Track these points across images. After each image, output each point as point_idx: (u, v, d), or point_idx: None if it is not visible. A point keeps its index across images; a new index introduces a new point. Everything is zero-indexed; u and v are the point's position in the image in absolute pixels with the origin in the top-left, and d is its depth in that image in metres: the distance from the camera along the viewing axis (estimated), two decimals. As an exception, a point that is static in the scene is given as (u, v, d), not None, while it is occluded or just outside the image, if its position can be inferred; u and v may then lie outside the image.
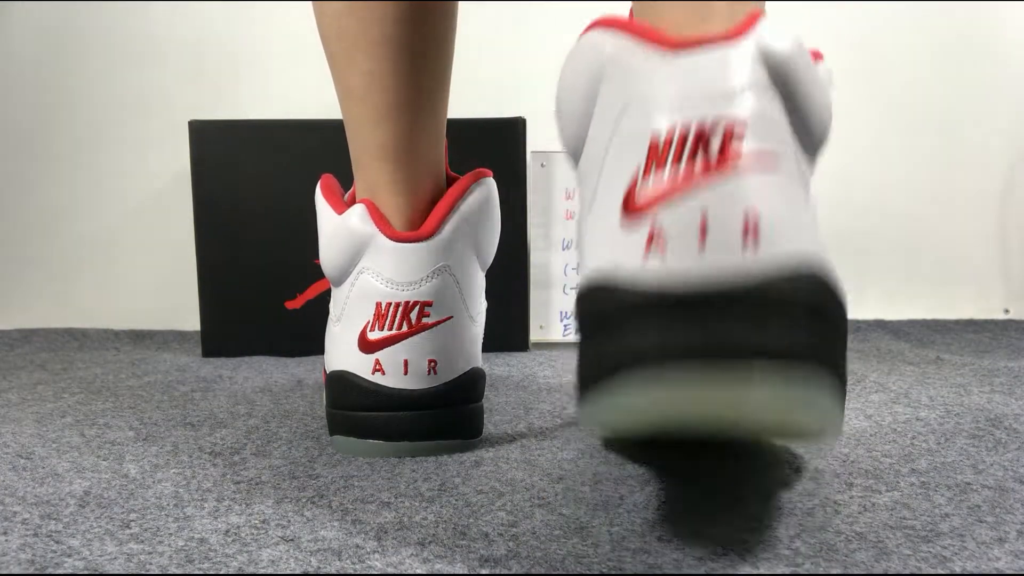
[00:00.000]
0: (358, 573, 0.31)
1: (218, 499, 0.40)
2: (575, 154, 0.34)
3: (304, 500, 0.40)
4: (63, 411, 0.59)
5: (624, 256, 0.28)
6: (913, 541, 0.34)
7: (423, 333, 0.46)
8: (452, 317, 0.47)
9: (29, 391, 0.67)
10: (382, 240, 0.46)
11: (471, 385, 0.48)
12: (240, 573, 0.31)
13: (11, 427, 0.54)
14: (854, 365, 0.78)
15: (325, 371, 0.50)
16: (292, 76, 1.09)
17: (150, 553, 0.33)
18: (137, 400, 0.63)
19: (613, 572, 0.31)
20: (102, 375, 0.75)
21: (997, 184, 1.15)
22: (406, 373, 0.46)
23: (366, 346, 0.46)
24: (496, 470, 0.44)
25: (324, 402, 0.52)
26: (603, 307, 0.28)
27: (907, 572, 0.31)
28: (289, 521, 0.37)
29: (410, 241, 0.46)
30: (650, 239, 0.27)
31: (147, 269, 1.10)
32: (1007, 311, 1.15)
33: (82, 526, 0.36)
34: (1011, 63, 1.13)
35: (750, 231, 0.26)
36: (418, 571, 0.31)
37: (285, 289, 0.86)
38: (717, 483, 0.42)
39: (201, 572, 0.31)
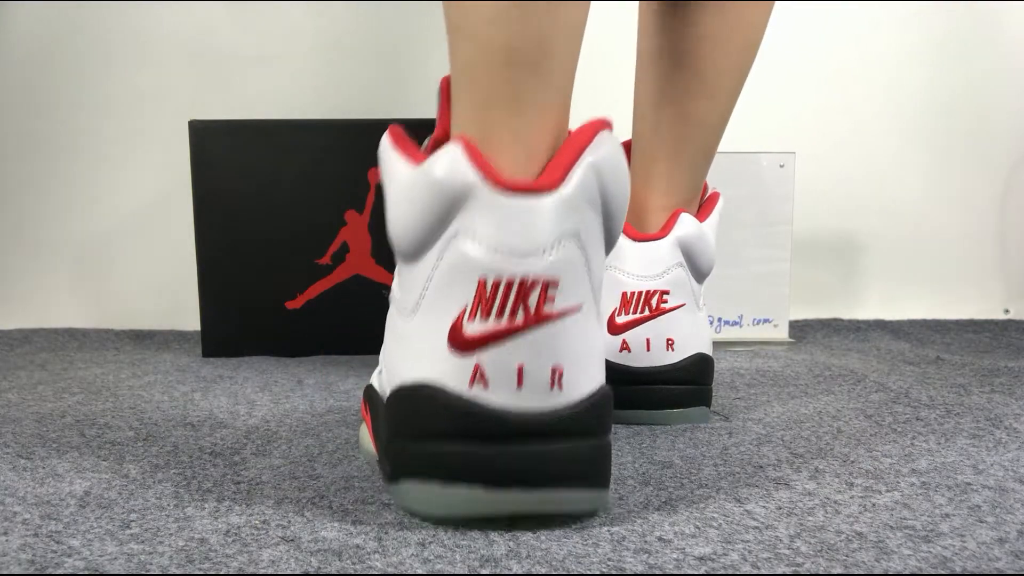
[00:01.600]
0: (358, 573, 0.31)
1: (218, 499, 0.40)
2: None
3: (304, 500, 0.40)
4: (63, 411, 0.59)
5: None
6: (913, 541, 0.34)
7: (545, 326, 0.32)
8: (582, 307, 0.33)
9: (29, 391, 0.67)
10: (487, 192, 0.32)
11: (604, 409, 0.35)
12: (240, 573, 0.31)
13: (11, 427, 0.54)
14: (855, 365, 0.78)
15: (367, 400, 0.40)
16: (292, 76, 1.09)
17: (150, 553, 0.33)
18: (137, 400, 0.63)
19: (613, 572, 0.31)
20: (102, 375, 0.75)
21: (997, 184, 1.15)
22: (520, 386, 0.32)
23: (462, 344, 0.33)
24: (496, 470, 0.44)
25: (365, 444, 0.43)
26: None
27: (907, 572, 0.31)
28: (289, 521, 0.37)
29: (529, 193, 0.32)
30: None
31: (147, 269, 1.10)
32: (1007, 311, 1.16)
33: (82, 526, 0.36)
34: (1011, 64, 1.13)
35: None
36: (418, 571, 0.31)
37: (285, 289, 0.86)
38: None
39: (201, 572, 0.31)
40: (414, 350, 0.34)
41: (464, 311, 0.33)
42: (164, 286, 1.09)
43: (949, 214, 1.15)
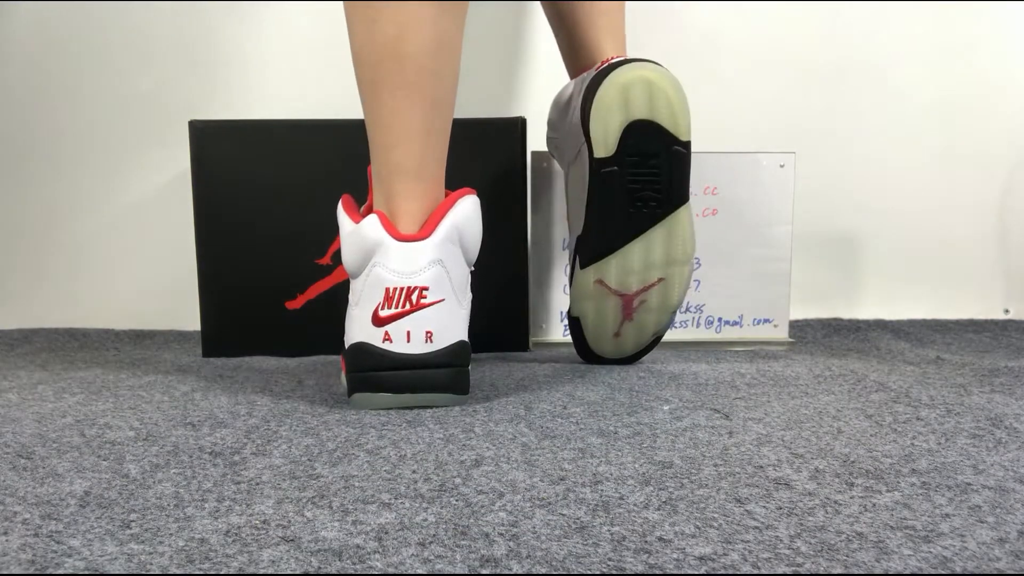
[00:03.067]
0: (358, 573, 0.31)
1: (218, 499, 0.40)
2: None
3: (304, 500, 0.40)
4: (63, 411, 0.59)
5: None
6: (914, 541, 0.34)
7: (422, 311, 0.58)
8: (444, 299, 0.59)
9: (29, 391, 0.67)
10: (390, 241, 0.58)
11: (460, 352, 0.60)
12: (240, 573, 0.31)
13: (11, 427, 0.54)
14: (855, 365, 0.78)
15: (344, 352, 0.61)
16: (292, 76, 1.09)
17: (150, 553, 0.33)
18: (137, 400, 0.63)
19: (613, 572, 0.31)
20: (102, 375, 0.75)
21: (997, 184, 1.15)
22: (409, 341, 0.58)
23: (378, 321, 0.58)
24: (496, 470, 0.44)
25: (343, 380, 0.64)
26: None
27: (908, 572, 0.31)
28: (289, 521, 0.37)
29: (412, 241, 0.58)
30: None
31: (147, 269, 1.10)
32: (1007, 311, 1.15)
33: (82, 526, 0.36)
34: (1011, 64, 1.13)
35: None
36: (418, 571, 0.31)
37: (285, 289, 0.86)
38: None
39: (201, 572, 0.31)
40: (356, 326, 0.59)
41: (379, 304, 0.58)
42: (164, 286, 1.09)
43: (949, 214, 1.15)
